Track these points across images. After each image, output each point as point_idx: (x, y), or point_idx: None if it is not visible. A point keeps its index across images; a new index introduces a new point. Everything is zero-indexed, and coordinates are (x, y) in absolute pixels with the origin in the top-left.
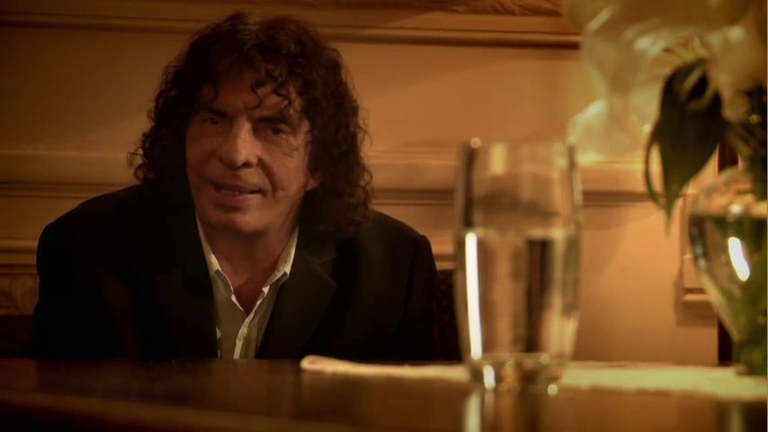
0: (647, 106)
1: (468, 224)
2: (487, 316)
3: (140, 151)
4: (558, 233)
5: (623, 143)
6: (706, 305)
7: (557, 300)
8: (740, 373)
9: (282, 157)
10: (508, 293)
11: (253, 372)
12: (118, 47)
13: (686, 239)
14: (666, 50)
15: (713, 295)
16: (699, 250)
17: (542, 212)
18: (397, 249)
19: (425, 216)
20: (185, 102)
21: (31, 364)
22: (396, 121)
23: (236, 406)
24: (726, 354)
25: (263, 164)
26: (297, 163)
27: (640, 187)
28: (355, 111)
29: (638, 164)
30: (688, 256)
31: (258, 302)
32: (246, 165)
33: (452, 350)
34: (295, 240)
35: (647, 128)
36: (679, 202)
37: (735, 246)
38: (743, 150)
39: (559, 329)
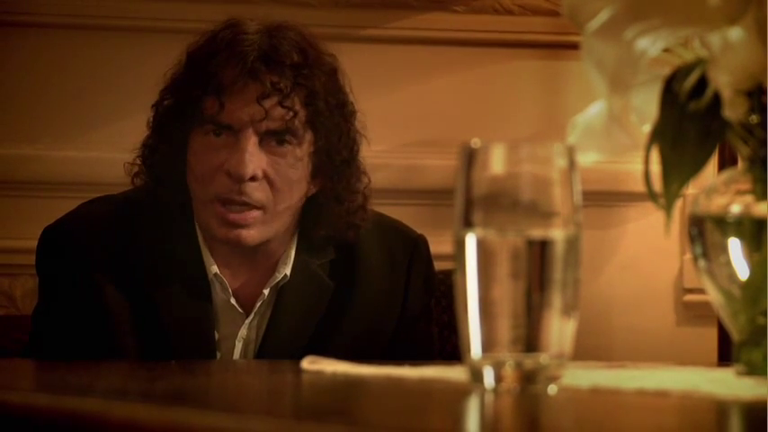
0: (646, 106)
1: (468, 224)
2: (487, 316)
3: (138, 161)
4: (557, 233)
5: (623, 143)
6: (706, 305)
7: (556, 300)
8: (740, 374)
9: (287, 169)
10: (508, 293)
11: (253, 372)
12: (118, 47)
13: (686, 239)
14: (666, 50)
15: (713, 295)
16: (699, 250)
17: (542, 212)
18: (395, 249)
19: (425, 216)
20: (185, 112)
21: (30, 364)
22: (395, 121)
23: (235, 406)
24: (725, 354)
25: (267, 177)
26: (300, 173)
27: (640, 187)
28: (354, 114)
29: (637, 164)
30: (688, 257)
31: (258, 304)
32: (253, 178)
33: (452, 350)
34: (295, 243)
35: (647, 128)
36: (679, 203)
37: (734, 246)
38: (742, 150)
39: (559, 329)
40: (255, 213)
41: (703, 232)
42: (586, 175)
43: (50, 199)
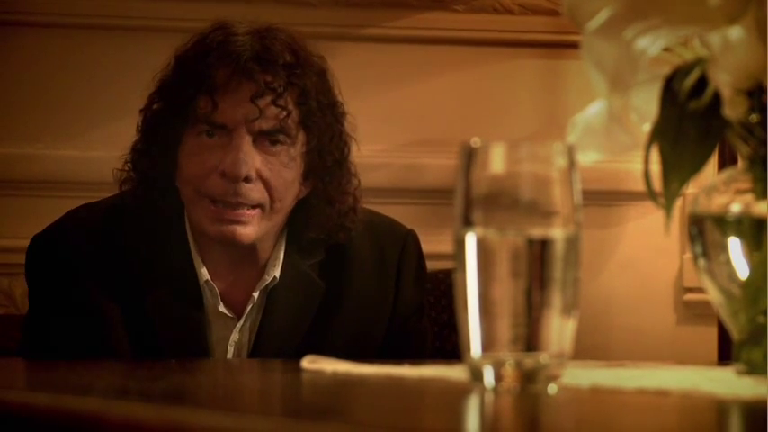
0: (646, 105)
1: (468, 223)
2: (487, 315)
3: (127, 167)
4: (557, 232)
5: (623, 142)
6: (706, 304)
7: (556, 299)
8: (740, 373)
9: (281, 168)
10: (508, 293)
11: (251, 371)
12: (117, 46)
13: (686, 239)
14: (666, 50)
15: (713, 294)
16: (698, 249)
17: (542, 212)
18: (385, 246)
19: (425, 215)
20: (177, 114)
21: (29, 364)
22: (395, 120)
23: (234, 405)
24: (725, 353)
25: (261, 177)
26: (293, 174)
27: (640, 186)
28: (344, 116)
29: (637, 163)
30: (688, 256)
31: (248, 308)
32: (247, 179)
33: (452, 349)
34: (284, 244)
35: (647, 127)
36: (679, 202)
37: (734, 245)
38: (742, 150)
39: (559, 329)
40: (252, 212)
41: (703, 231)
42: (586, 175)
43: (50, 198)
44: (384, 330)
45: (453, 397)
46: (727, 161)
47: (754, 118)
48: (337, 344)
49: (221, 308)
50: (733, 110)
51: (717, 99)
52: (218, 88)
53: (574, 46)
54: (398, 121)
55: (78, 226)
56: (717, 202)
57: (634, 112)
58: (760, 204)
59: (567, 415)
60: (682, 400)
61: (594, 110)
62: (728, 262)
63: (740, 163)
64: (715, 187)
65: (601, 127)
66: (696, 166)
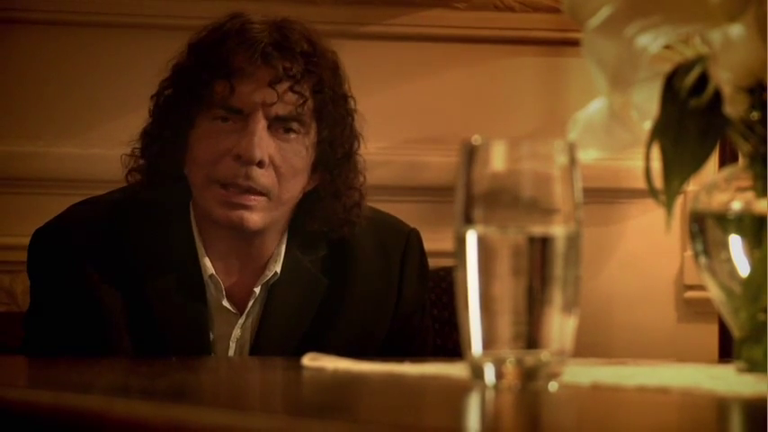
0: (647, 103)
1: (469, 221)
2: (488, 313)
3: (136, 152)
4: (558, 230)
5: (624, 140)
6: (706, 302)
7: (557, 297)
8: (741, 370)
9: (292, 157)
10: (509, 290)
11: (253, 369)
12: (118, 44)
13: (687, 236)
14: (667, 47)
15: (714, 292)
16: (699, 247)
17: (543, 209)
18: (388, 243)
19: (426, 213)
20: (190, 99)
21: (31, 361)
22: (396, 117)
23: (236, 403)
24: (726, 351)
25: (273, 164)
26: (304, 164)
27: (641, 184)
28: (354, 111)
29: (638, 161)
30: (688, 253)
31: (250, 303)
32: (260, 164)
33: (453, 347)
34: (285, 240)
35: (648, 125)
36: (679, 199)
37: (735, 243)
38: (743, 147)
39: (560, 326)
40: (260, 198)
41: (704, 229)
42: (587, 172)
43: (51, 196)
44: (386, 328)
45: (454, 395)
46: (727, 159)
47: (754, 115)
48: (339, 341)
49: (225, 302)
50: (734, 107)
51: (717, 96)
52: (235, 72)
53: (575, 43)
54: (399, 119)
55: (81, 220)
56: (717, 200)
57: (635, 110)
58: (761, 202)
59: (567, 412)
60: (682, 397)
61: (595, 107)
62: (729, 259)
63: (741, 160)
64: (716, 185)
65: (602, 124)
66: (697, 164)
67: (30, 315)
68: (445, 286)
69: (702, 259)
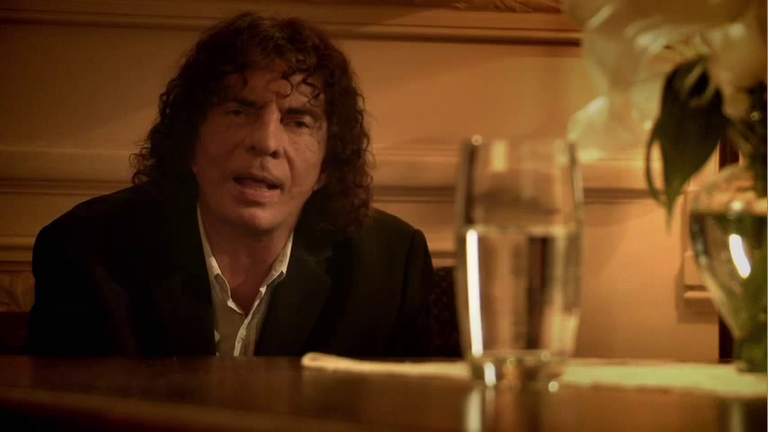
0: (647, 103)
1: (469, 221)
2: (488, 313)
3: (144, 150)
4: (558, 230)
5: (624, 140)
6: (707, 302)
7: (558, 297)
8: (741, 370)
9: (304, 151)
10: (509, 290)
11: (254, 369)
12: (118, 44)
13: (687, 236)
14: (667, 47)
15: (714, 292)
16: (700, 247)
17: (543, 209)
18: (393, 245)
19: (426, 213)
20: (202, 94)
21: (31, 362)
22: (397, 118)
23: (236, 403)
24: (726, 351)
25: (287, 155)
26: (315, 159)
27: (641, 184)
28: (363, 110)
29: (639, 161)
30: (689, 253)
31: (255, 304)
32: (274, 154)
33: (453, 347)
34: (291, 240)
35: (648, 125)
36: (680, 200)
37: (736, 243)
38: (744, 147)
39: (560, 326)
40: (273, 193)
41: (704, 229)
42: (587, 172)
43: (51, 196)
44: (390, 329)
45: (455, 395)
46: (728, 159)
47: (755, 115)
48: (343, 342)
49: (230, 303)
50: (734, 107)
51: (718, 97)
52: (248, 65)
53: (575, 43)
54: (400, 119)
55: (87, 219)
56: (718, 200)
57: (635, 110)
58: (761, 202)
59: (568, 413)
60: (683, 397)
61: (596, 107)
62: (730, 260)
63: (741, 161)
64: (716, 185)
65: (602, 124)
66: (697, 164)
67: (34, 314)
68: (445, 286)
69: (703, 259)
